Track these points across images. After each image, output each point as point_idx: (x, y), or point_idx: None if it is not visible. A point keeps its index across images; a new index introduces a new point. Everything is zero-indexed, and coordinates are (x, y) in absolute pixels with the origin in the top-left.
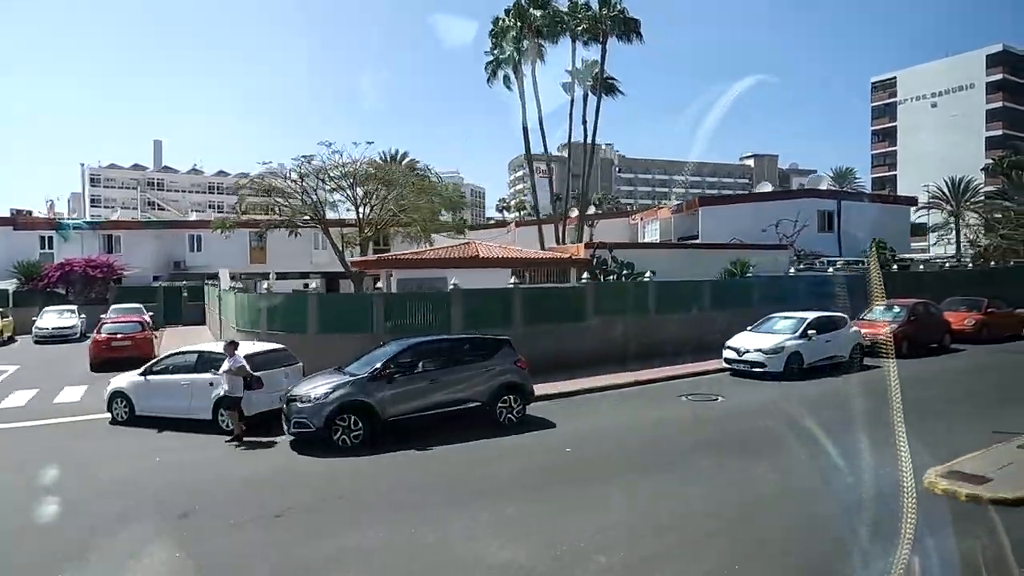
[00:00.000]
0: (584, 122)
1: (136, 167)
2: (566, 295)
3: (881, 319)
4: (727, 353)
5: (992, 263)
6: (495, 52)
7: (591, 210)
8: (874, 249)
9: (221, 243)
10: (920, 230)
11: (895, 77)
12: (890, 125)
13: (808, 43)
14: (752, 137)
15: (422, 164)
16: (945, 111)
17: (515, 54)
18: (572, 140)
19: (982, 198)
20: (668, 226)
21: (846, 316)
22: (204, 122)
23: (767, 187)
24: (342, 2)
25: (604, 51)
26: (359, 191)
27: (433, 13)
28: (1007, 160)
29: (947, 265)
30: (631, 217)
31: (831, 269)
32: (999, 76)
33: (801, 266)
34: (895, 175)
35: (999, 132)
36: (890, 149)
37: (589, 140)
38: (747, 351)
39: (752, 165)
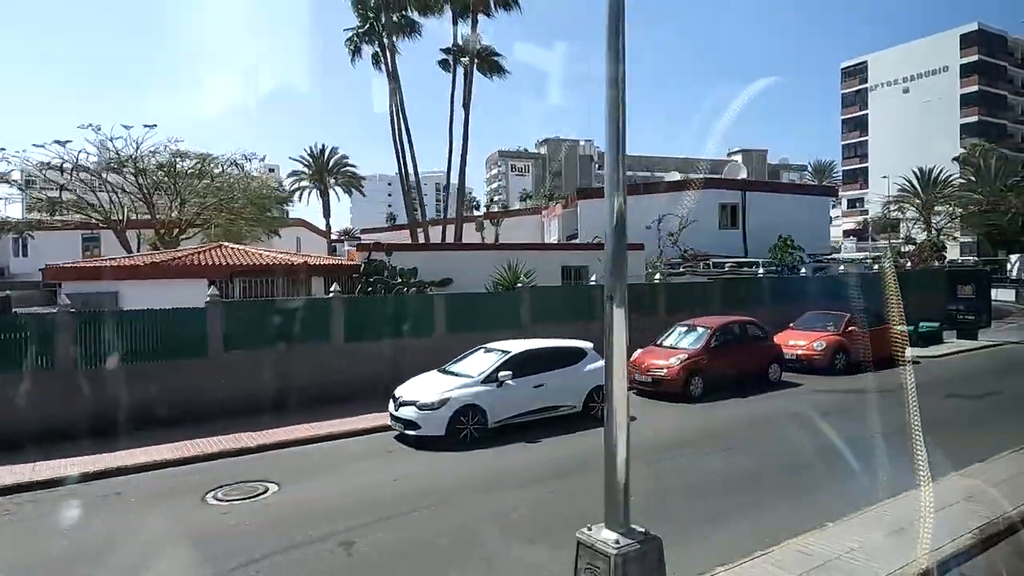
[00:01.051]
0: (465, 106)
1: None
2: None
3: (680, 345)
4: (391, 405)
5: (908, 265)
6: (359, 27)
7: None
8: (779, 247)
9: (52, 244)
10: (879, 227)
11: (865, 62)
12: (861, 113)
13: (795, 32)
14: (743, 132)
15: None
16: (917, 97)
17: (380, 28)
18: (552, 137)
19: (952, 190)
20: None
21: (585, 347)
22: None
23: (675, 177)
24: None
25: (475, 20)
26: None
27: None
28: (979, 149)
29: (848, 268)
30: (541, 213)
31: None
32: (974, 57)
33: (680, 269)
34: (867, 167)
35: (974, 118)
36: (861, 139)
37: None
38: (405, 403)
39: (740, 161)
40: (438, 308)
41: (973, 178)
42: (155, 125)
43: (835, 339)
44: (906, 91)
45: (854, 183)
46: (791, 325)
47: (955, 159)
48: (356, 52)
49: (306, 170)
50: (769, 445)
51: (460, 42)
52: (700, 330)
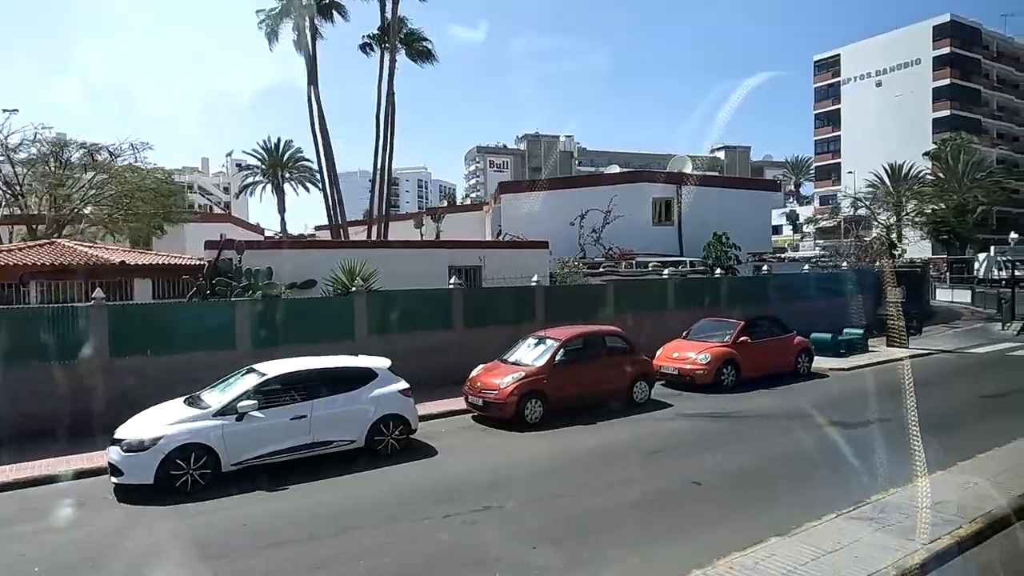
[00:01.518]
0: (390, 95)
1: None
2: None
3: (523, 361)
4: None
5: (844, 264)
6: (273, 9)
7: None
8: (713, 245)
9: None
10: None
11: (839, 54)
12: (834, 108)
13: (775, 23)
14: (727, 128)
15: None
16: (890, 90)
17: (294, 9)
18: (532, 133)
19: (920, 186)
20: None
21: (376, 366)
22: None
23: (614, 169)
24: None
25: (396, 1)
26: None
27: None
28: (950, 143)
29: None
30: (484, 208)
31: (668, 271)
32: (946, 50)
33: (601, 269)
34: (839, 163)
35: (946, 112)
36: (834, 134)
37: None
38: (116, 441)
39: (723, 157)
40: (241, 317)
41: (941, 175)
42: (16, 110)
43: (723, 351)
44: (879, 85)
45: (827, 180)
46: (684, 334)
47: (925, 154)
48: (273, 35)
49: (260, 164)
50: (562, 502)
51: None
52: (549, 343)
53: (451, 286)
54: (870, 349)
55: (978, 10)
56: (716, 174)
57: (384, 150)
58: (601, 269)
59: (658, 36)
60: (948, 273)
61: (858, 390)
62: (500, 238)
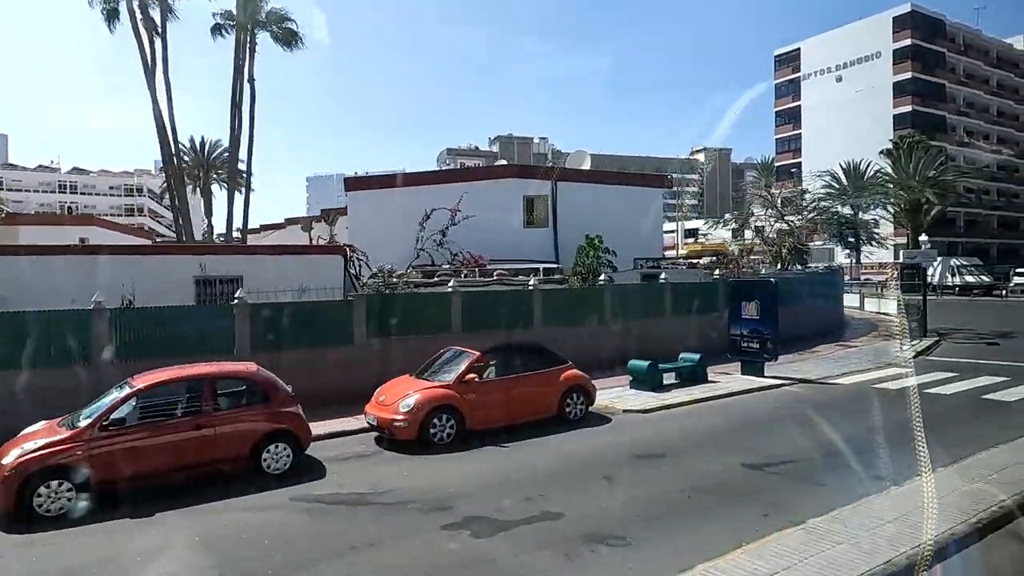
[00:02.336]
0: (251, 80)
1: None
2: None
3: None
4: None
5: (716, 273)
6: None
7: None
8: (585, 249)
9: None
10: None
11: (799, 48)
12: (794, 105)
13: (737, 19)
14: (705, 130)
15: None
16: (851, 85)
17: None
18: (505, 135)
19: (875, 186)
20: None
21: None
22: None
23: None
24: None
25: None
26: None
27: None
28: (907, 141)
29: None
30: None
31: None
32: (907, 42)
33: (436, 278)
34: (800, 162)
35: (908, 108)
36: (795, 132)
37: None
38: None
39: (703, 160)
40: None
41: (893, 173)
42: None
43: (436, 394)
44: (839, 80)
45: (788, 180)
46: (420, 369)
47: (881, 152)
48: (113, 15)
49: (186, 165)
50: None
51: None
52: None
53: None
54: (709, 379)
55: (944, 1)
56: (597, 169)
57: (238, 142)
58: (436, 279)
59: (656, 38)
60: (900, 279)
61: (610, 451)
62: (330, 243)
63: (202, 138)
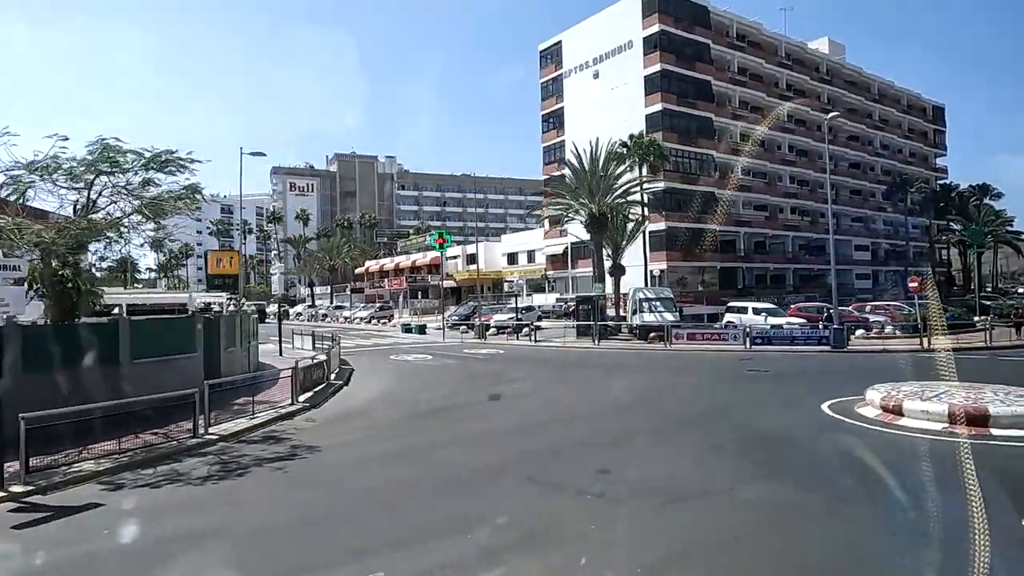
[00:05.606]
0: None
1: None
2: None
3: None
4: None
5: None
6: None
7: None
8: None
9: None
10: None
11: (560, 41)
12: (558, 107)
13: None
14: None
15: None
16: (606, 82)
17: None
18: (346, 153)
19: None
20: None
21: None
22: None
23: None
24: None
25: None
26: None
27: None
28: (637, 142)
29: None
30: None
31: None
32: (655, 28)
33: None
34: (565, 173)
35: (658, 107)
36: (559, 139)
37: None
38: None
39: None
40: None
41: (574, 180)
42: None
43: None
44: (596, 76)
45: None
46: None
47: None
48: None
49: None
50: None
51: None
52: None
53: None
54: None
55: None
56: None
57: None
58: None
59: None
60: (576, 316)
61: None
62: None
63: None
